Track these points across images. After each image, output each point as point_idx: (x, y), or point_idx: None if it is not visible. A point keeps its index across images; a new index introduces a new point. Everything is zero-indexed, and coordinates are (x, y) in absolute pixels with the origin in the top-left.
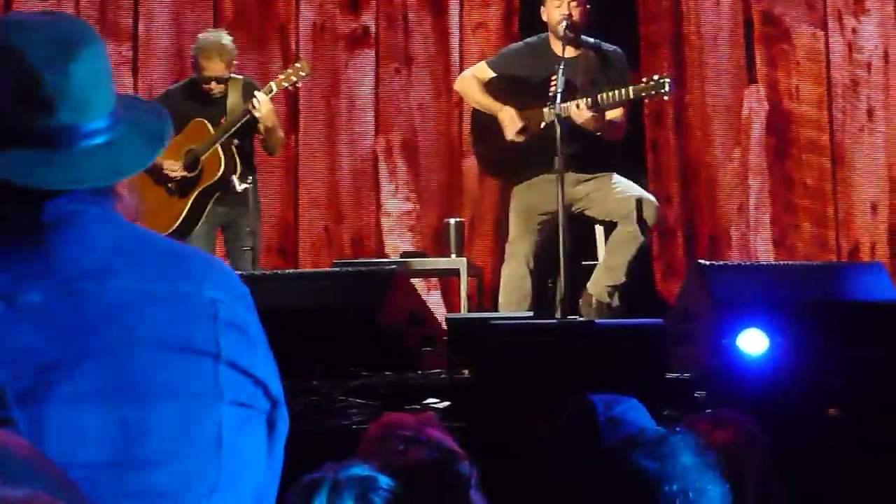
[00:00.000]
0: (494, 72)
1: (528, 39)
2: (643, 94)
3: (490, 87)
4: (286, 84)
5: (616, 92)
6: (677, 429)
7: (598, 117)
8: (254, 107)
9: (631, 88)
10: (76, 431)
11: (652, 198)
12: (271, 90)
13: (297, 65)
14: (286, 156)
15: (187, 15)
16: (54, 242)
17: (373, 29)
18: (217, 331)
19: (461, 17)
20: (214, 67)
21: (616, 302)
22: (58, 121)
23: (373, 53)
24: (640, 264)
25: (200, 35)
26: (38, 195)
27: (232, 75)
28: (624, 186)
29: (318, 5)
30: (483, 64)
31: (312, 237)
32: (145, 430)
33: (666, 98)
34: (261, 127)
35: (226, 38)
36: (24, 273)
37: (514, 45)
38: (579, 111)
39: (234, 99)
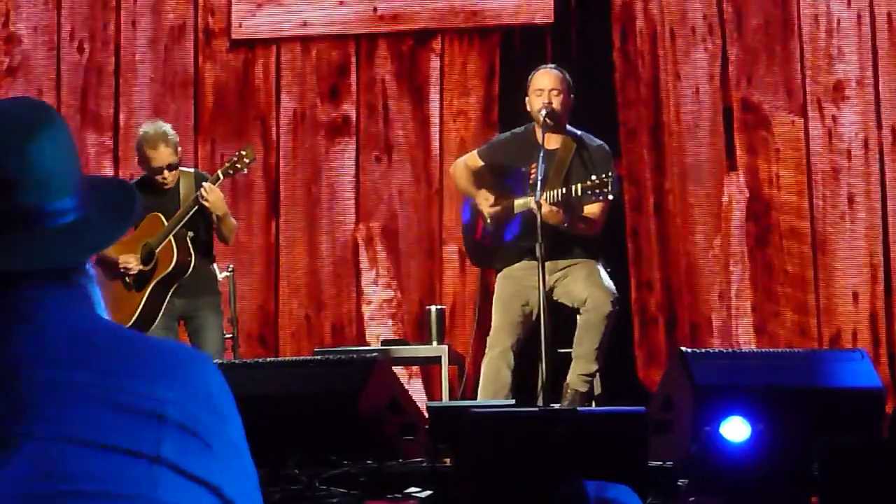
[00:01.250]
0: (482, 160)
1: (516, 129)
2: (589, 193)
3: (477, 174)
4: (231, 172)
5: (572, 187)
6: None
7: (559, 212)
8: (202, 197)
9: (579, 185)
10: None
11: (608, 286)
12: (219, 178)
13: (243, 151)
14: (266, 244)
15: (168, 105)
16: (4, 331)
17: (353, 117)
18: (161, 432)
19: (441, 105)
20: (161, 156)
21: (598, 389)
22: (18, 203)
23: (353, 142)
24: (620, 352)
25: (140, 129)
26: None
27: (182, 168)
28: (588, 272)
29: (298, 94)
30: (474, 153)
31: (293, 325)
32: None
33: (610, 198)
34: (213, 216)
35: (166, 126)
36: None
37: (501, 135)
38: (542, 210)
39: (186, 191)
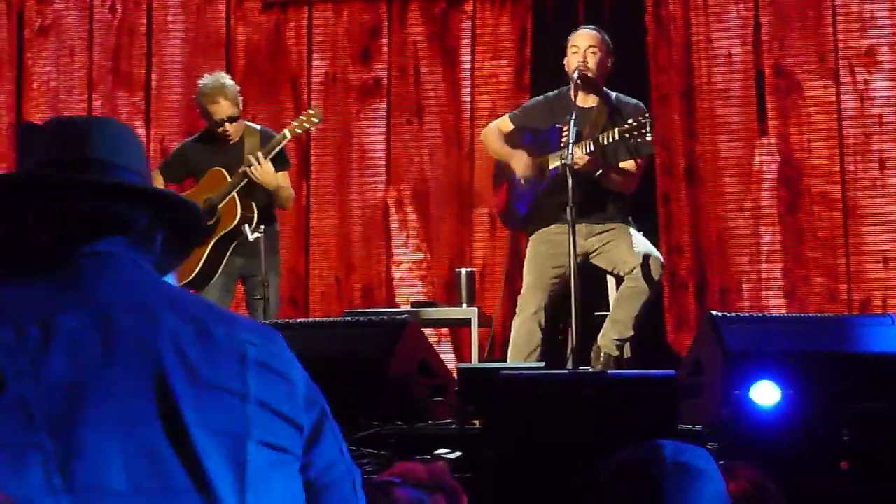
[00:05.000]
0: (514, 125)
1: (549, 93)
2: (627, 135)
3: (509, 138)
4: (300, 131)
5: (607, 133)
6: None
7: (594, 160)
8: (251, 174)
9: (617, 130)
10: (103, 457)
11: (658, 254)
12: (286, 136)
13: (311, 111)
14: (297, 206)
15: (199, 66)
16: (90, 275)
17: (385, 80)
18: (246, 370)
19: (473, 68)
20: (222, 109)
21: (627, 353)
22: (92, 153)
23: (384, 104)
24: (650, 316)
25: (199, 82)
26: (76, 230)
27: (249, 124)
28: (634, 240)
29: (330, 56)
30: (506, 117)
31: (323, 287)
32: (169, 460)
33: (648, 137)
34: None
35: (225, 78)
36: (61, 299)
37: (534, 99)
38: (574, 155)
39: (250, 148)
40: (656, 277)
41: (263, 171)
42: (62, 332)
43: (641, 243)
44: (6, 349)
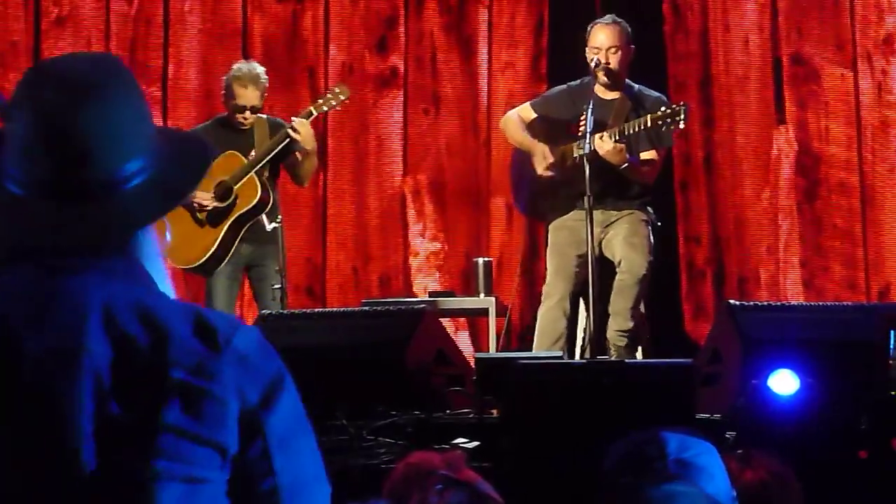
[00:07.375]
0: (536, 113)
1: (571, 83)
2: (660, 122)
3: (531, 127)
4: (326, 108)
5: (636, 122)
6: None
7: (621, 150)
8: (294, 129)
9: (649, 117)
10: None
11: (646, 248)
12: (311, 114)
13: (336, 89)
14: (314, 196)
15: (216, 56)
16: (32, 308)
17: (401, 69)
18: (165, 394)
19: (489, 57)
20: (249, 96)
21: (644, 341)
22: (88, 175)
23: (401, 94)
24: (662, 304)
25: (234, 65)
26: (41, 241)
27: (258, 115)
28: (630, 231)
29: (346, 46)
30: (527, 105)
31: (340, 277)
32: None
33: (682, 125)
34: (298, 155)
35: (260, 69)
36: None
37: (556, 88)
38: (602, 142)
39: (260, 137)
40: (639, 273)
41: (305, 130)
42: None
43: (634, 235)
44: None
